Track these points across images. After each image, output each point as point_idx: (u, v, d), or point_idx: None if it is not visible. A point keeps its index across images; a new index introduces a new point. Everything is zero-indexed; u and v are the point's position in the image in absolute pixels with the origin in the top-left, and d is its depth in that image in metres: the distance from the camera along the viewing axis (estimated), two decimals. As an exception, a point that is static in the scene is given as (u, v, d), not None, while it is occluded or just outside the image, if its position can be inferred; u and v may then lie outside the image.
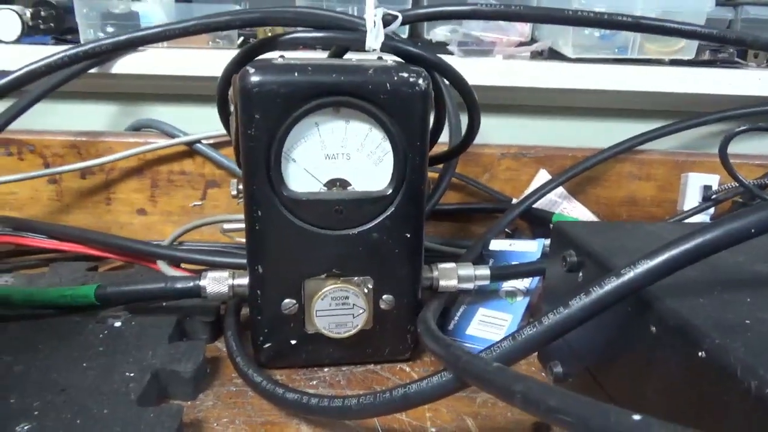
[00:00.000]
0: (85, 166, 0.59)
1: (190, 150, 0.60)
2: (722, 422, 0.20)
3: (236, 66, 0.38)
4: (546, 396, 0.19)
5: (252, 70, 0.33)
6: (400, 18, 0.38)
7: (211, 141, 0.60)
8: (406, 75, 0.34)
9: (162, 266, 0.48)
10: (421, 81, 0.34)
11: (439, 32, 0.67)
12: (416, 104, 0.34)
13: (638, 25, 0.36)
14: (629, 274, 0.23)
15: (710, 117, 0.60)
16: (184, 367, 0.34)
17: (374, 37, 0.37)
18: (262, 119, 0.34)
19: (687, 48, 0.61)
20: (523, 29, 0.63)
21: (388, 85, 0.34)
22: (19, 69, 0.35)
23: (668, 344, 0.23)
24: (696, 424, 0.22)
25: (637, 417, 0.16)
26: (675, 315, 0.23)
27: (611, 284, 0.23)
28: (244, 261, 0.46)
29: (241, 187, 0.38)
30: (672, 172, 0.61)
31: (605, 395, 0.29)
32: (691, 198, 0.56)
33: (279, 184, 0.35)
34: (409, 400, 0.27)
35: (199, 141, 0.59)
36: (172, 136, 0.60)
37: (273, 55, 0.37)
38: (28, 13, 0.65)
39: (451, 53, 0.61)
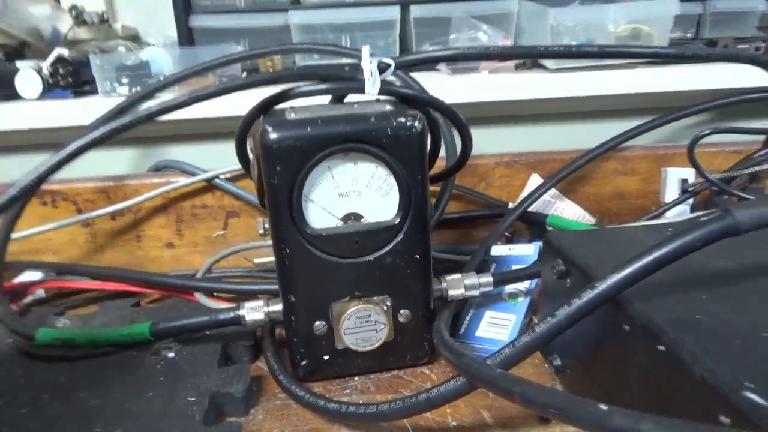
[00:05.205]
0: (115, 210, 0.65)
1: (210, 185, 0.65)
2: (682, 409, 0.26)
3: (254, 117, 0.43)
4: (539, 395, 0.24)
5: (270, 129, 0.38)
6: (393, 65, 0.43)
7: (228, 175, 0.65)
8: (403, 120, 0.39)
9: (200, 297, 0.53)
10: (416, 123, 0.39)
11: (427, 53, 0.72)
12: (414, 144, 0.40)
13: (603, 53, 0.42)
14: (602, 287, 0.28)
15: (686, 111, 0.65)
16: (235, 389, 0.39)
17: (372, 85, 0.42)
18: (282, 170, 0.39)
19: (658, 49, 0.66)
20: (506, 44, 0.68)
21: (388, 130, 0.39)
22: (71, 145, 0.40)
23: (637, 340, 0.29)
24: (662, 410, 0.27)
25: (604, 407, 0.21)
26: (641, 314, 0.29)
27: (588, 296, 0.28)
28: (271, 286, 0.52)
29: (267, 225, 0.43)
30: (653, 166, 0.66)
31: (596, 384, 0.34)
32: (671, 190, 0.61)
33: (301, 223, 0.40)
34: (432, 402, 0.32)
35: (217, 176, 0.65)
36: (192, 174, 0.65)
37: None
38: (46, 69, 0.70)
39: (439, 70, 0.66)
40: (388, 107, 0.41)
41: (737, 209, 0.28)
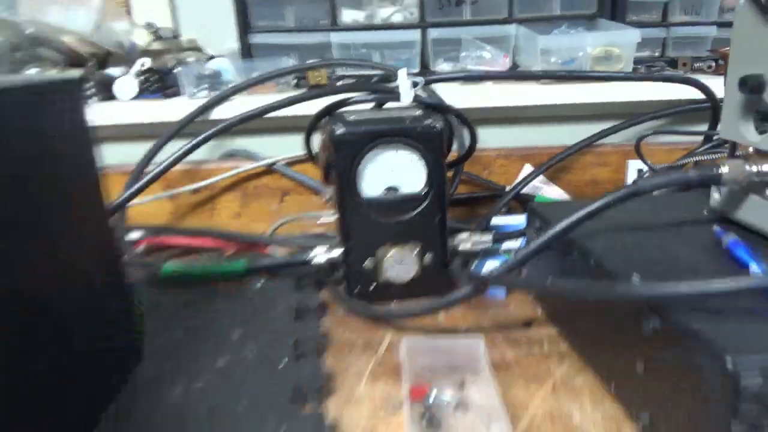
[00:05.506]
0: (195, 187, 0.82)
1: (269, 169, 0.83)
2: (611, 306, 0.43)
3: (320, 117, 0.61)
4: (513, 280, 0.41)
5: (338, 126, 0.56)
6: (422, 81, 0.61)
7: (284, 162, 0.82)
8: (429, 122, 0.57)
9: (271, 249, 0.71)
10: (438, 124, 0.57)
11: (443, 67, 0.90)
12: (436, 139, 0.57)
13: (571, 77, 0.59)
14: (556, 228, 0.46)
15: (645, 117, 0.82)
16: (311, 304, 0.57)
17: (406, 96, 0.60)
18: (346, 155, 0.56)
19: (626, 66, 0.83)
20: (505, 62, 0.85)
21: (418, 128, 0.56)
22: (192, 141, 0.58)
23: (580, 260, 0.46)
24: (598, 306, 0.44)
25: (549, 281, 0.39)
26: (582, 245, 0.46)
27: (548, 233, 0.46)
28: (323, 242, 0.69)
29: (329, 195, 0.61)
30: (621, 159, 0.83)
31: (560, 301, 0.52)
32: (632, 178, 0.78)
33: (357, 193, 0.57)
34: (450, 302, 0.50)
35: (275, 162, 0.82)
36: (255, 160, 0.83)
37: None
38: (133, 76, 0.87)
39: (453, 81, 0.84)
40: (418, 112, 0.59)
41: (643, 180, 0.46)
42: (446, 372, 0.46)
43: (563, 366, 0.48)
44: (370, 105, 0.64)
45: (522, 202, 0.81)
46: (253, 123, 0.86)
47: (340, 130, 0.56)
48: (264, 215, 0.84)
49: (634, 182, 0.45)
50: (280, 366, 0.47)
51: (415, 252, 0.59)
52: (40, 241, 0.35)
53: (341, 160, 0.56)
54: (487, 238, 0.64)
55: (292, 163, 0.83)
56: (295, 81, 0.90)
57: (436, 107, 0.60)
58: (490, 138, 0.85)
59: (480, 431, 0.40)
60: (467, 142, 0.66)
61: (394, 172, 0.58)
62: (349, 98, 0.60)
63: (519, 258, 0.46)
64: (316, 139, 0.62)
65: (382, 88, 0.61)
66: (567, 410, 0.43)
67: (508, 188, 0.81)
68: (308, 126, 0.63)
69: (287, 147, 0.82)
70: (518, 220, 0.72)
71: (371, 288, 0.60)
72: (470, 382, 0.45)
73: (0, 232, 0.31)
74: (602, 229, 0.48)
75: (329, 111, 0.61)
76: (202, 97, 0.83)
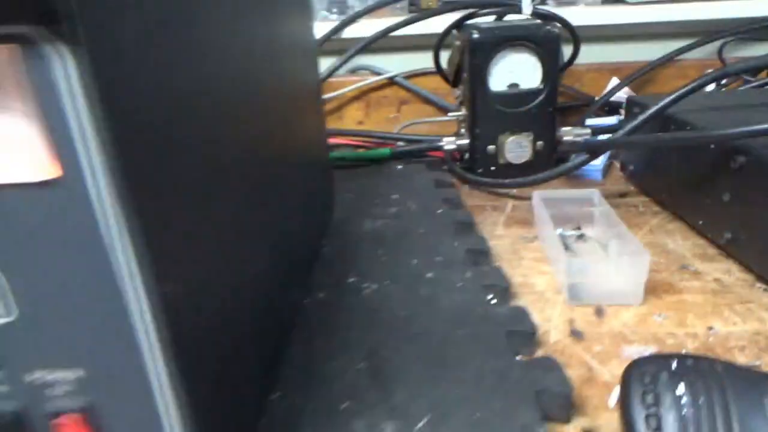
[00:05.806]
0: (326, 98, 0.97)
1: (390, 82, 0.97)
2: (705, 152, 0.56)
3: (451, 29, 0.74)
4: (629, 140, 0.55)
5: (474, 32, 0.69)
6: (539, -3, 0.73)
7: (404, 76, 0.96)
8: (548, 28, 0.69)
9: (399, 144, 0.86)
10: (555, 31, 0.69)
11: (540, -9, 1.00)
12: (553, 42, 0.69)
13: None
14: (663, 101, 0.58)
15: (722, 34, 0.92)
16: (445, 180, 0.72)
17: (527, 8, 0.73)
18: (479, 55, 0.69)
19: (709, -12, 0.92)
20: (598, -15, 0.96)
21: (539, 34, 0.69)
22: (335, 65, 0.72)
23: (675, 128, 0.59)
24: (693, 155, 0.57)
25: (660, 134, 0.52)
26: (677, 115, 0.59)
27: (658, 105, 0.58)
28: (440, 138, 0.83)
29: (459, 94, 0.74)
30: (700, 72, 0.94)
31: (652, 166, 0.65)
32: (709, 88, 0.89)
33: (486, 87, 0.71)
34: (563, 171, 0.63)
35: (395, 76, 0.96)
36: (378, 74, 0.97)
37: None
38: None
39: (548, 4, 0.95)
40: (536, 21, 0.71)
41: (733, 64, 0.58)
42: (568, 218, 0.60)
43: (657, 218, 0.62)
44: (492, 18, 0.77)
45: (610, 110, 0.93)
46: (375, 42, 1.00)
47: (476, 35, 0.69)
48: (384, 122, 0.99)
49: (724, 63, 0.57)
50: (437, 213, 0.62)
51: (530, 139, 0.73)
52: (289, 127, 0.50)
53: (475, 60, 0.70)
54: (587, 131, 0.76)
55: (410, 76, 0.96)
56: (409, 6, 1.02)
57: (552, 17, 0.72)
58: (582, 54, 0.96)
59: (599, 250, 0.55)
60: (565, 59, 0.79)
61: (516, 71, 0.71)
62: (477, 11, 0.73)
63: (638, 121, 0.59)
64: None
65: (504, 2, 0.73)
66: (662, 242, 0.57)
67: (597, 98, 0.93)
68: (440, 36, 0.76)
69: (404, 63, 0.96)
70: (609, 120, 0.85)
71: (492, 169, 0.74)
72: (587, 225, 0.59)
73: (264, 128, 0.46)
74: (694, 109, 0.61)
75: (460, 23, 0.74)
76: (333, 20, 0.97)
